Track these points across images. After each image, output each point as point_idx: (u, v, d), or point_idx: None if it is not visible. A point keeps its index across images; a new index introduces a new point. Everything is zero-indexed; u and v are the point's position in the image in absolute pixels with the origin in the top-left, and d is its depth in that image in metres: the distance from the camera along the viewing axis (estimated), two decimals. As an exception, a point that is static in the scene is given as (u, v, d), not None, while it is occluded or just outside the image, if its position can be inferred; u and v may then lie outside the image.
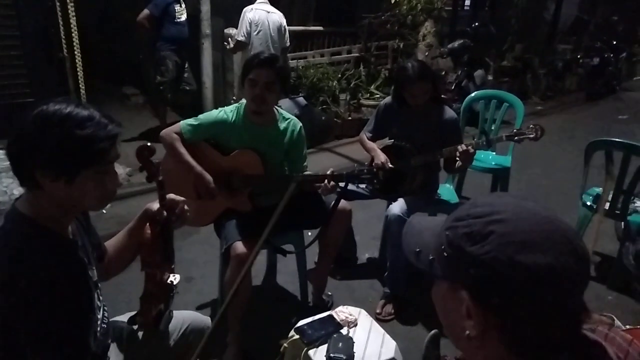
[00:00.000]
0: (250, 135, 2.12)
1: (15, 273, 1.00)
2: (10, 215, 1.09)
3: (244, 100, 2.16)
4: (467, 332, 0.65)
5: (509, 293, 0.60)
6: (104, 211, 3.31)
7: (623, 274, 2.64)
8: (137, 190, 3.64)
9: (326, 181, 2.01)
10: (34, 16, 3.96)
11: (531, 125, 2.35)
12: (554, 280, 0.59)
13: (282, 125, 2.20)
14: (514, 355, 0.62)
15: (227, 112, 2.15)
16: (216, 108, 2.26)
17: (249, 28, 4.33)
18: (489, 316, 0.62)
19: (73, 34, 3.79)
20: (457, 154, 2.32)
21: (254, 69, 2.02)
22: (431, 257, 0.69)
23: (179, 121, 2.18)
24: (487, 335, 0.63)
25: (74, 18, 3.74)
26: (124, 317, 1.47)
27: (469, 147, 2.30)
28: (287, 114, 2.26)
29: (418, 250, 0.73)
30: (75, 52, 3.90)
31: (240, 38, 4.37)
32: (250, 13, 4.35)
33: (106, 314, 1.30)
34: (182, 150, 2.08)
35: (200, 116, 2.17)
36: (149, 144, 1.31)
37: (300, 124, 2.25)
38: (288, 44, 4.56)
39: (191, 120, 2.14)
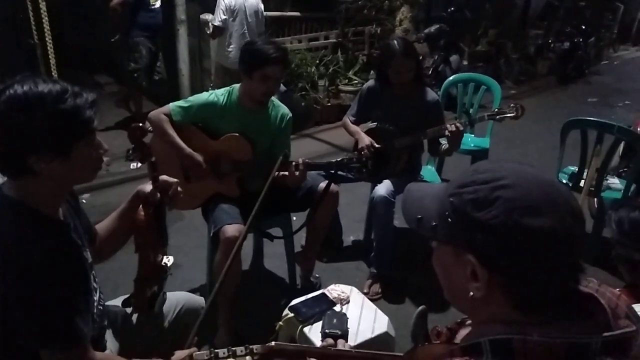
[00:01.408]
0: (240, 120, 2.11)
1: (10, 258, 0.99)
2: None
3: (236, 85, 2.15)
4: (472, 293, 0.67)
5: (515, 256, 0.62)
6: (84, 200, 3.25)
7: (597, 249, 2.76)
8: (117, 180, 3.59)
9: (293, 169, 1.99)
10: (1, 1, 3.81)
11: (512, 105, 2.42)
12: (557, 242, 0.62)
13: (272, 112, 2.20)
14: (518, 310, 0.65)
15: (218, 95, 2.13)
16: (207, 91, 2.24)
17: (225, 14, 4.26)
18: (494, 277, 0.65)
19: (43, 20, 3.66)
20: (447, 132, 2.35)
21: (270, 65, 2.00)
22: (434, 223, 0.71)
23: (154, 109, 2.15)
24: (491, 294, 0.66)
25: (44, 3, 3.61)
26: (117, 301, 1.46)
27: (459, 125, 2.33)
28: (278, 102, 2.27)
29: (419, 217, 0.74)
30: (47, 39, 3.77)
31: (217, 23, 4.29)
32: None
33: (102, 296, 1.30)
34: (171, 132, 2.06)
35: (190, 98, 2.15)
36: (141, 124, 1.30)
37: (290, 114, 2.27)
38: (264, 28, 4.50)
39: (181, 102, 2.11)
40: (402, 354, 0.99)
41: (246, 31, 4.32)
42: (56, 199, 1.11)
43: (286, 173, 2.00)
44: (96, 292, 1.23)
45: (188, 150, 2.06)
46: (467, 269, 0.66)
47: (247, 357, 0.98)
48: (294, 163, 2.00)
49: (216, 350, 0.98)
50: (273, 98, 2.26)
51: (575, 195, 2.82)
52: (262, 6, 4.45)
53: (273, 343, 1.01)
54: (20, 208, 1.04)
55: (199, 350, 1.24)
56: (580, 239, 0.66)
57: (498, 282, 0.65)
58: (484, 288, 0.66)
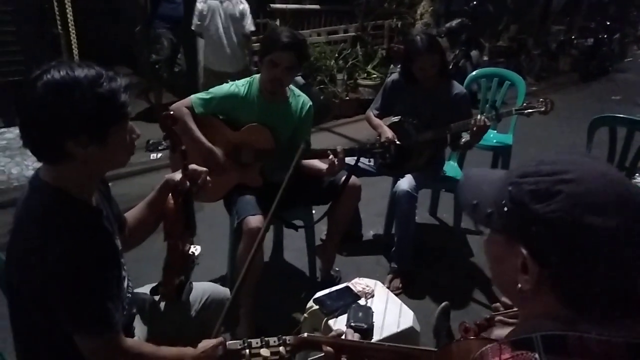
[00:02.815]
0: (261, 110, 2.10)
1: (45, 243, 1.00)
2: (35, 185, 1.08)
3: (256, 75, 2.14)
4: (520, 285, 0.65)
5: (569, 253, 0.60)
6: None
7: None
8: (137, 170, 3.62)
9: (332, 157, 1.99)
10: (28, -8, 3.85)
11: (540, 99, 2.37)
12: (620, 243, 0.59)
13: (293, 102, 2.19)
14: (567, 308, 0.63)
15: (239, 85, 2.12)
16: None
17: (198, 19, 4.20)
18: (545, 272, 0.63)
19: (67, 10, 3.70)
20: (474, 127, 2.31)
21: (276, 52, 1.97)
22: (489, 211, 0.69)
23: (175, 102, 2.15)
24: (541, 289, 0.64)
25: (69, -7, 3.64)
26: (144, 289, 1.47)
27: (485, 119, 2.29)
28: (298, 91, 2.25)
29: (475, 202, 0.72)
30: (70, 29, 3.81)
31: (194, 27, 4.27)
32: (200, 4, 4.20)
33: (130, 284, 1.30)
34: (192, 125, 2.06)
35: (211, 90, 2.14)
36: (172, 112, 1.30)
37: (310, 103, 2.25)
38: (252, 28, 4.31)
39: (202, 94, 2.11)
40: (435, 349, 0.97)
41: (222, 35, 4.20)
42: (90, 185, 1.11)
43: (322, 167, 2.00)
44: (125, 280, 1.23)
45: (208, 145, 2.06)
46: (518, 260, 0.64)
47: (280, 348, 0.98)
48: (330, 150, 1.99)
49: (249, 340, 0.97)
50: (293, 87, 2.25)
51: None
52: (244, 6, 4.24)
53: (305, 334, 1.00)
54: (56, 193, 1.04)
55: (226, 340, 1.25)
56: None
57: (549, 277, 0.63)
58: (533, 282, 0.64)
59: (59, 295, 1.01)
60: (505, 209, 0.66)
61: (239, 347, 0.97)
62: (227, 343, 1.00)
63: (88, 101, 0.98)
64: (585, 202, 0.60)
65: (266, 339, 0.97)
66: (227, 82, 2.19)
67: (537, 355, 0.59)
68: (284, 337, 0.98)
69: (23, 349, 1.16)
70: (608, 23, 7.96)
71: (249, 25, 4.28)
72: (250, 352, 0.96)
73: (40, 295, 1.02)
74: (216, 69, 4.30)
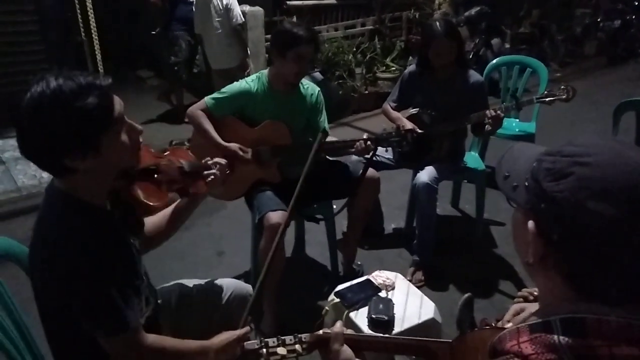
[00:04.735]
0: (275, 104, 2.14)
1: (57, 248, 1.03)
2: (49, 193, 1.11)
3: (264, 70, 2.18)
4: (526, 258, 0.68)
5: (569, 234, 0.61)
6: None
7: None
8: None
9: (362, 141, 2.05)
10: (52, 0, 3.97)
11: (562, 87, 2.32)
12: (617, 232, 0.59)
13: (302, 91, 2.23)
14: (570, 286, 0.64)
15: (249, 82, 2.17)
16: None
17: (200, 21, 4.26)
18: (548, 249, 0.64)
19: (90, 18, 3.80)
20: (486, 119, 2.30)
21: (302, 45, 2.03)
22: (515, 184, 0.71)
23: (195, 103, 2.21)
24: (544, 264, 0.66)
25: (91, 1, 3.74)
26: (171, 285, 1.51)
27: (499, 112, 2.28)
28: (305, 80, 2.29)
29: (507, 174, 0.74)
30: (93, 36, 3.91)
31: (196, 31, 4.35)
32: (196, 7, 4.28)
33: (150, 281, 1.34)
34: (207, 126, 2.11)
35: (224, 89, 2.19)
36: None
37: (318, 88, 2.30)
38: (240, 20, 4.26)
39: (215, 95, 2.16)
40: (450, 340, 0.97)
41: (212, 33, 4.23)
42: (101, 189, 1.12)
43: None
44: (144, 278, 1.27)
45: (223, 143, 2.10)
46: (528, 234, 0.66)
47: (297, 346, 0.99)
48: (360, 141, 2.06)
49: (266, 340, 0.99)
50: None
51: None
52: (227, 1, 4.19)
53: (321, 332, 1.01)
54: (68, 199, 1.07)
55: (250, 331, 1.28)
56: None
57: (552, 255, 0.65)
58: (537, 257, 0.66)
59: (74, 299, 1.05)
60: (526, 183, 0.68)
61: (257, 346, 0.98)
62: (245, 343, 1.01)
63: (68, 118, 0.96)
64: (593, 187, 0.60)
65: (282, 337, 0.99)
66: (237, 81, 2.23)
67: (555, 337, 0.60)
68: (299, 335, 1.00)
69: (56, 347, 1.20)
70: (637, 3, 7.66)
71: (237, 17, 4.24)
72: (267, 351, 0.98)
73: (59, 299, 1.06)
74: (217, 68, 4.37)
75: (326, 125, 2.30)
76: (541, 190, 0.64)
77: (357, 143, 2.07)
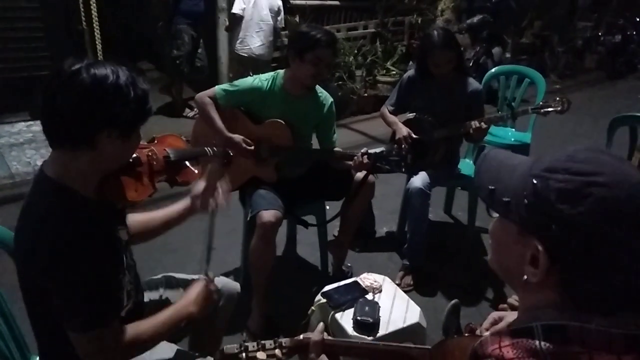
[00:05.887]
0: (284, 106, 2.14)
1: (41, 236, 1.03)
2: (38, 179, 1.11)
3: (280, 71, 2.17)
4: (526, 277, 0.66)
5: (585, 257, 0.60)
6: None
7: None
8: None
9: (360, 155, 2.04)
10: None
11: (557, 98, 2.34)
12: (623, 254, 0.59)
13: (315, 98, 2.22)
14: (569, 303, 0.63)
15: (262, 80, 2.16)
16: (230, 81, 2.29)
17: (244, 3, 4.36)
18: (555, 269, 0.63)
19: (92, 7, 3.79)
20: (471, 130, 2.33)
21: (321, 48, 2.02)
22: (506, 199, 0.67)
23: (194, 97, 2.21)
24: (546, 283, 0.64)
25: (93, -10, 3.73)
26: (158, 277, 1.52)
27: (481, 124, 2.32)
28: (320, 88, 2.27)
29: (492, 188, 0.70)
30: (94, 25, 3.90)
31: (236, 11, 4.39)
32: None
33: (137, 272, 1.34)
34: (214, 114, 2.12)
35: (236, 82, 2.19)
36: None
37: (332, 100, 2.27)
38: (283, 25, 4.59)
39: (226, 86, 2.16)
40: (429, 347, 0.97)
41: (262, 22, 4.42)
42: (93, 179, 1.13)
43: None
44: (132, 269, 1.27)
45: (227, 134, 2.10)
46: (528, 252, 0.64)
47: (276, 351, 0.99)
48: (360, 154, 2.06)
49: (246, 344, 0.99)
50: (317, 85, 2.27)
51: None
52: (280, 3, 4.53)
53: (301, 336, 1.01)
54: (57, 188, 1.07)
55: (212, 277, 1.30)
56: None
57: (557, 274, 0.63)
58: (541, 276, 0.64)
59: (53, 288, 1.04)
60: (526, 201, 0.64)
61: (236, 351, 0.98)
62: (225, 347, 1.00)
63: (130, 98, 1.05)
64: (610, 208, 0.59)
65: (262, 342, 0.99)
66: (251, 75, 2.24)
67: (537, 343, 0.60)
68: (279, 339, 1.00)
69: (40, 335, 1.20)
70: (638, 19, 7.72)
71: (281, 21, 4.59)
72: (247, 355, 0.98)
73: (41, 286, 1.06)
74: (247, 54, 4.47)
75: (336, 139, 2.30)
76: (553, 211, 0.61)
77: (356, 157, 2.05)
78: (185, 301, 1.24)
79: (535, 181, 0.63)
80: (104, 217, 1.14)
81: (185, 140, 1.65)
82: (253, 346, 0.98)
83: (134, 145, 1.15)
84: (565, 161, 0.63)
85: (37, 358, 1.27)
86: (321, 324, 1.02)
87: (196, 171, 1.47)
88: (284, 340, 1.00)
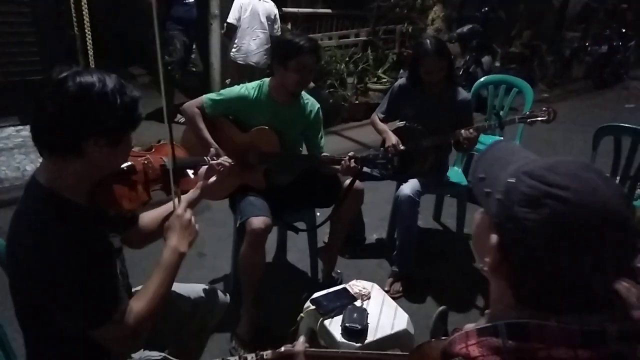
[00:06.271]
0: (271, 113, 2.16)
1: (35, 244, 1.03)
2: (30, 187, 1.12)
3: (266, 79, 2.20)
4: (483, 266, 0.73)
5: (527, 258, 0.64)
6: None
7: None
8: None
9: (347, 159, 2.06)
10: (45, -4, 3.96)
11: (544, 108, 2.38)
12: (569, 264, 0.62)
13: (302, 105, 2.24)
14: (517, 299, 0.68)
15: (249, 88, 2.18)
16: (224, 88, 2.30)
17: (238, 12, 4.37)
18: (504, 263, 0.68)
19: (84, 12, 3.79)
20: (461, 139, 2.37)
21: (303, 55, 2.04)
22: (488, 190, 0.71)
23: (186, 102, 2.22)
24: (498, 274, 0.70)
25: (85, -5, 3.73)
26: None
27: (471, 132, 2.36)
28: (306, 95, 2.29)
29: (483, 176, 0.74)
30: (86, 31, 3.90)
31: (231, 21, 4.40)
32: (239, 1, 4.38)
33: (129, 282, 1.34)
34: (202, 126, 2.13)
35: (223, 91, 2.21)
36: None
37: (319, 105, 2.30)
38: (279, 33, 4.60)
39: (213, 95, 2.18)
40: (407, 353, 0.99)
41: (258, 30, 4.42)
42: (84, 186, 1.13)
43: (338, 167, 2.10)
44: (123, 277, 1.27)
45: (215, 146, 2.11)
46: (488, 244, 0.69)
47: None
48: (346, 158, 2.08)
49: (228, 358, 1.00)
50: (302, 92, 2.30)
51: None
52: (276, 11, 4.57)
53: (282, 348, 1.01)
54: (48, 195, 1.08)
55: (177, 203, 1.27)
56: (606, 264, 0.63)
57: (507, 270, 0.68)
58: (493, 268, 0.70)
59: (50, 295, 1.05)
60: (498, 196, 0.68)
61: None
62: None
63: (119, 105, 1.05)
64: (562, 224, 0.62)
65: (244, 355, 1.00)
66: (238, 85, 2.25)
67: (501, 340, 0.64)
68: (261, 352, 1.01)
69: (30, 342, 1.20)
70: (624, 30, 7.87)
71: (278, 29, 4.59)
72: None
73: (34, 294, 1.06)
74: (243, 62, 4.48)
75: (323, 144, 2.32)
76: (512, 212, 0.65)
77: (343, 161, 2.08)
78: (170, 246, 1.22)
79: (510, 180, 0.67)
80: (95, 224, 1.14)
81: (185, 150, 1.66)
82: (235, 359, 0.98)
83: (124, 152, 1.16)
84: (545, 169, 0.66)
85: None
86: (302, 336, 1.04)
87: (194, 179, 1.47)
88: (266, 353, 1.01)
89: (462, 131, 2.37)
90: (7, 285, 1.14)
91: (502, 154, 0.77)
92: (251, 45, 4.45)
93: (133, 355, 1.27)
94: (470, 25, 5.88)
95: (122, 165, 1.31)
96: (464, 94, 2.52)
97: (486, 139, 3.43)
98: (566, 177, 0.64)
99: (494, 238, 0.68)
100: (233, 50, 4.51)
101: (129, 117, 1.09)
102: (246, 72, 4.43)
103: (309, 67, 2.09)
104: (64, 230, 1.05)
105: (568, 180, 0.63)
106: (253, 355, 1.00)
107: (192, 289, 1.56)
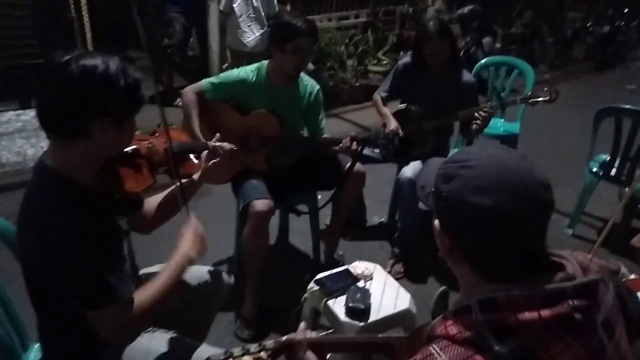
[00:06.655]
0: (270, 96, 2.16)
1: (44, 224, 1.05)
2: (37, 169, 1.13)
3: (265, 61, 2.19)
4: (441, 254, 0.81)
5: (461, 226, 0.74)
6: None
7: (625, 239, 2.72)
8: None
9: (348, 139, 2.06)
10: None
11: (545, 88, 2.37)
12: (497, 220, 0.70)
13: (301, 87, 2.24)
14: (477, 273, 0.76)
15: (248, 71, 2.17)
16: (222, 72, 2.29)
17: (232, 2, 4.25)
18: (451, 241, 0.77)
19: (81, -6, 3.75)
20: (479, 118, 2.34)
21: (301, 37, 2.03)
22: (427, 192, 0.86)
23: (185, 86, 2.21)
24: (453, 256, 0.78)
25: (82, -23, 3.69)
26: (154, 268, 1.53)
27: (490, 111, 2.34)
28: (306, 76, 2.29)
29: (422, 185, 0.91)
30: (83, 13, 3.87)
31: (221, 8, 4.32)
32: None
33: (135, 263, 1.36)
34: (193, 115, 2.12)
35: (221, 75, 2.20)
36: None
37: (318, 87, 2.29)
38: (276, 10, 4.47)
39: (212, 79, 2.17)
40: (405, 335, 1.02)
41: (252, 14, 4.30)
42: (90, 169, 1.15)
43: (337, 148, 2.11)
44: (131, 259, 1.29)
45: (203, 142, 2.10)
46: (436, 231, 0.80)
47: (262, 353, 1.01)
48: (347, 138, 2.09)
49: (231, 350, 1.01)
50: (302, 73, 2.29)
51: (606, 185, 2.81)
52: None
53: (284, 338, 1.04)
54: (56, 177, 1.09)
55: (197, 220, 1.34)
56: (533, 224, 0.72)
57: (456, 247, 0.76)
58: (445, 251, 0.79)
59: (59, 274, 1.07)
60: (432, 189, 0.81)
61: (222, 357, 1.00)
62: (210, 356, 1.02)
63: (122, 87, 1.06)
64: (473, 184, 0.72)
65: (247, 346, 1.01)
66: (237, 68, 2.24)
67: (474, 316, 0.70)
68: (263, 342, 1.02)
69: (43, 322, 1.23)
70: (626, 10, 7.78)
71: (275, 8, 4.43)
72: None
73: (45, 274, 1.08)
74: (239, 49, 4.39)
75: (324, 126, 2.32)
76: (438, 192, 0.76)
77: (344, 141, 2.09)
78: (181, 251, 1.28)
79: (437, 172, 0.79)
80: (102, 205, 1.16)
81: (186, 134, 1.67)
82: (238, 351, 1.00)
83: (129, 133, 1.17)
84: (456, 154, 0.79)
85: (37, 345, 1.29)
86: (303, 323, 1.07)
87: (197, 164, 1.49)
88: (268, 343, 1.03)
89: (480, 111, 2.34)
90: (13, 264, 1.15)
91: (434, 165, 0.86)
92: (247, 32, 4.35)
93: (143, 333, 1.29)
94: (471, 6, 5.81)
95: (127, 149, 1.32)
96: (467, 76, 2.51)
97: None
98: (471, 153, 0.76)
99: (435, 223, 0.78)
100: (228, 37, 4.43)
101: (132, 98, 1.10)
102: (245, 57, 4.37)
103: (306, 50, 2.08)
104: (72, 212, 1.07)
105: (474, 154, 0.75)
106: (256, 345, 1.01)
107: (196, 271, 1.58)
